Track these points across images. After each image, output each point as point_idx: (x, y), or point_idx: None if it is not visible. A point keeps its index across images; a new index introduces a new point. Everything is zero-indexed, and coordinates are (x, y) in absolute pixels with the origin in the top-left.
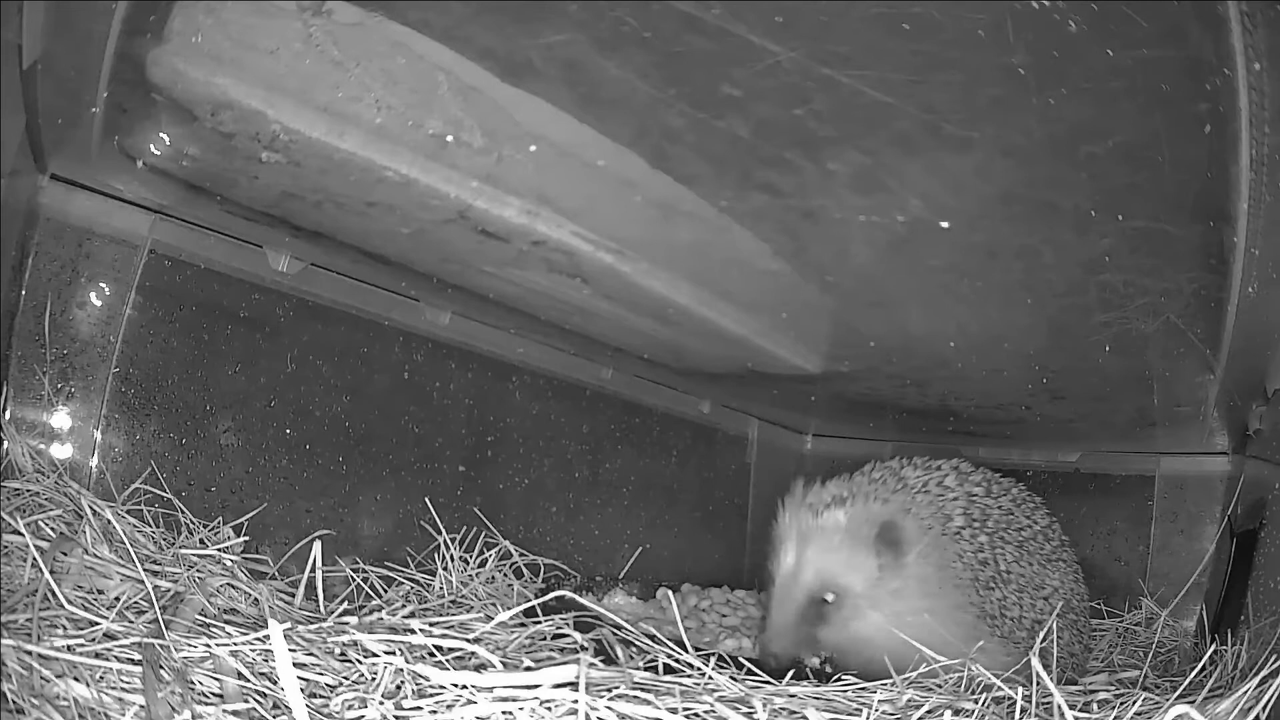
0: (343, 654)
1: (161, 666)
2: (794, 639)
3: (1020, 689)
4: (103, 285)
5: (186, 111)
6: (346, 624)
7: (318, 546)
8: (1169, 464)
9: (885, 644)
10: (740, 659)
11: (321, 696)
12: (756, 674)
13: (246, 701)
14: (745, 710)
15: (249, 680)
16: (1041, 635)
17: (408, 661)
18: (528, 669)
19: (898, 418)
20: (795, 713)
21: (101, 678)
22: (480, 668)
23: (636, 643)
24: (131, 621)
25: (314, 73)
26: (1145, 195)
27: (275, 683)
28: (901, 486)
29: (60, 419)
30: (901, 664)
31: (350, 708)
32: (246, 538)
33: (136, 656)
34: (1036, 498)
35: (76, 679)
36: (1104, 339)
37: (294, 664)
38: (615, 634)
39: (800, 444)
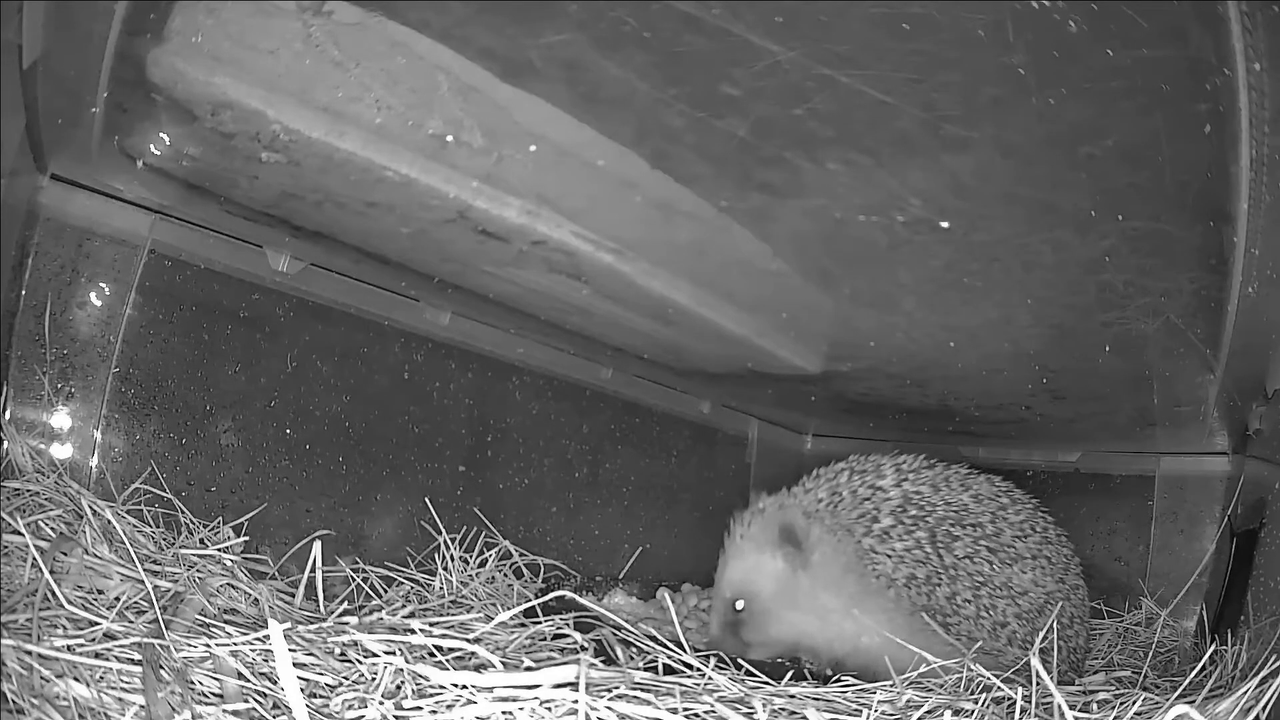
0: (343, 654)
1: (161, 666)
2: (724, 645)
3: (1020, 689)
4: (103, 285)
5: (186, 111)
6: (346, 624)
7: (318, 546)
8: (1169, 464)
9: (807, 640)
10: (740, 659)
11: (321, 696)
12: (756, 674)
13: (246, 701)
14: (745, 710)
15: (249, 680)
16: (1041, 635)
17: (408, 661)
18: (528, 669)
19: (898, 418)
20: (795, 713)
21: (101, 678)
22: (480, 668)
23: (636, 643)
24: (131, 621)
25: (314, 73)
26: (1145, 195)
27: (275, 683)
28: (814, 492)
29: (60, 419)
30: (832, 657)
31: (350, 708)
32: (246, 538)
33: (136, 656)
34: (1017, 493)
35: (76, 679)
36: (1104, 339)
37: (294, 664)
38: (615, 634)
39: (800, 444)
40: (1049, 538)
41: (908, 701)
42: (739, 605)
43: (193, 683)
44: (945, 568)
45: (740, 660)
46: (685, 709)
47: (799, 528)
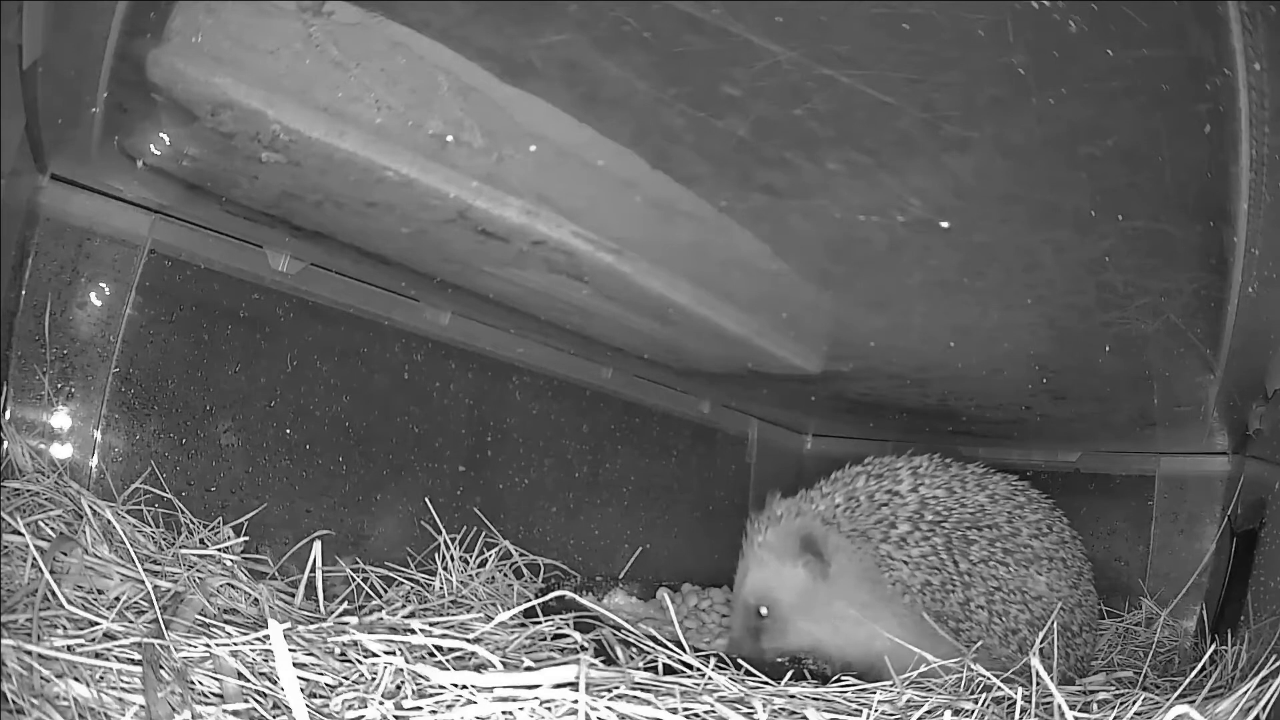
0: (343, 654)
1: (161, 666)
2: (746, 650)
3: (1020, 689)
4: (103, 285)
5: (186, 111)
6: (346, 624)
7: (318, 546)
8: (1169, 464)
9: (826, 646)
10: (739, 659)
11: (321, 696)
12: (755, 674)
13: (246, 701)
14: (745, 710)
15: (249, 680)
16: (1041, 636)
17: (408, 661)
18: (528, 669)
19: (898, 418)
20: (795, 713)
21: (101, 678)
22: (480, 668)
23: (636, 643)
24: (131, 621)
25: (314, 73)
26: (1145, 195)
27: (275, 683)
28: (830, 497)
29: (60, 419)
30: (846, 662)
31: (350, 708)
32: (246, 538)
33: (136, 656)
34: (1033, 493)
35: (76, 679)
36: (1104, 339)
37: (294, 664)
38: (615, 634)
39: (800, 444)
40: (1064, 539)
41: (908, 701)
42: (763, 611)
43: (193, 683)
44: (960, 574)
45: (740, 660)
46: (685, 709)
47: (819, 537)
